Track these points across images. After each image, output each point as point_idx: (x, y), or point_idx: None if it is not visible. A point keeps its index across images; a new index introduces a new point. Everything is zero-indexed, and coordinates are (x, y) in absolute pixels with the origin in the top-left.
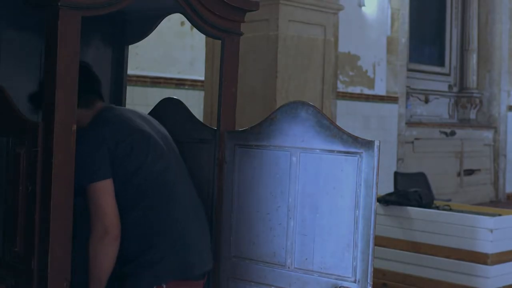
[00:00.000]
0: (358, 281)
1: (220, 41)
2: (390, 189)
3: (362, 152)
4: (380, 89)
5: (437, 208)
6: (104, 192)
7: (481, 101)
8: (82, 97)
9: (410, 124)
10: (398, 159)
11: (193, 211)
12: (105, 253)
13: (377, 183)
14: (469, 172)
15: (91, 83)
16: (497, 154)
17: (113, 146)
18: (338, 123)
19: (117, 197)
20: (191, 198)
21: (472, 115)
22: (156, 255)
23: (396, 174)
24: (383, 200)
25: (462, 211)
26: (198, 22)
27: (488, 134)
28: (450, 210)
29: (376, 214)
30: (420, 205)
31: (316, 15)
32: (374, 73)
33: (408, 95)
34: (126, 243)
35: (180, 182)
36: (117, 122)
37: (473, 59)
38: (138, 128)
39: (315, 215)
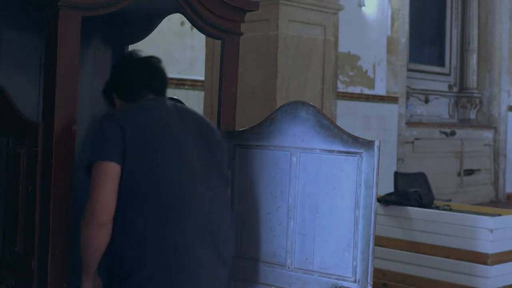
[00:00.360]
0: (358, 281)
1: (220, 41)
2: (390, 189)
3: (362, 152)
4: (380, 89)
5: (437, 208)
6: (105, 174)
7: (481, 101)
8: (134, 92)
9: (410, 124)
10: (398, 159)
11: (204, 235)
12: (91, 237)
13: (377, 183)
14: (469, 172)
15: (147, 78)
16: (497, 154)
17: (128, 136)
18: (338, 123)
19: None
20: (207, 218)
21: (472, 115)
22: (145, 275)
23: (396, 174)
24: (383, 200)
25: (462, 211)
26: (198, 22)
27: (488, 134)
28: (450, 210)
29: (376, 214)
30: (420, 205)
31: (316, 15)
32: (374, 73)
33: (408, 95)
34: (119, 252)
35: (195, 198)
36: (143, 114)
37: (473, 59)
38: (165, 129)
39: (315, 215)
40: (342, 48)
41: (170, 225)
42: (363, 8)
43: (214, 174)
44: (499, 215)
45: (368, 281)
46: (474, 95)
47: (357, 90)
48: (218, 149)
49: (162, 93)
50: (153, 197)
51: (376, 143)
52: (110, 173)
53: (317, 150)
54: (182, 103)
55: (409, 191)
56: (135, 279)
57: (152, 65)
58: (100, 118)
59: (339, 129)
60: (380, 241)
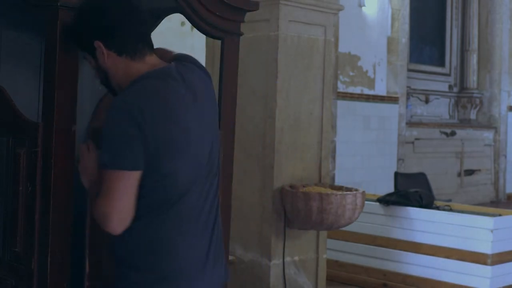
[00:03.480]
0: None
1: (220, 41)
2: (391, 189)
3: None
4: (380, 89)
5: (438, 208)
6: (125, 184)
7: (481, 101)
8: (127, 42)
9: (410, 124)
10: (398, 159)
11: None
12: (96, 217)
13: None
14: (470, 172)
15: (135, 25)
16: (497, 154)
17: (150, 135)
18: (338, 123)
19: None
20: (200, 227)
21: (473, 115)
22: (145, 277)
23: (396, 174)
24: (384, 200)
25: (462, 212)
26: (198, 22)
27: (488, 135)
28: (451, 210)
29: None
30: (420, 206)
31: (316, 15)
32: (374, 73)
33: (408, 95)
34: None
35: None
36: (165, 105)
37: (473, 59)
38: (184, 121)
39: None
40: (343, 48)
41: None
42: (363, 8)
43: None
44: (499, 215)
45: None
46: (474, 95)
47: (357, 90)
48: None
49: (152, 45)
50: (167, 207)
51: None
52: (133, 182)
53: None
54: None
55: (409, 191)
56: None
57: (138, 8)
58: (116, 106)
59: None
60: (380, 241)
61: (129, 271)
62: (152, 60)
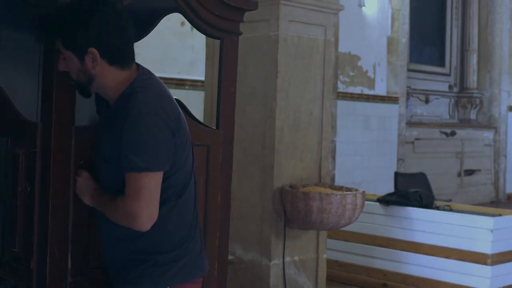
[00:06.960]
0: None
1: (219, 41)
2: (391, 189)
3: None
4: (380, 89)
5: (438, 208)
6: (157, 184)
7: (481, 101)
8: (120, 55)
9: (410, 124)
10: (398, 159)
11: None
12: (119, 221)
13: None
14: (470, 172)
15: (130, 39)
16: (497, 154)
17: (175, 130)
18: (338, 123)
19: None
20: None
21: (473, 115)
22: (171, 256)
23: (396, 174)
24: (384, 200)
25: (462, 212)
26: (197, 22)
27: (488, 134)
28: (451, 210)
29: None
30: (420, 205)
31: (317, 15)
32: (374, 73)
33: (408, 95)
34: (147, 237)
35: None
36: (172, 102)
37: (473, 59)
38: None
39: None
40: (343, 48)
41: (191, 212)
42: (363, 8)
43: None
44: (499, 215)
45: None
46: (474, 95)
47: (357, 90)
48: None
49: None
50: (184, 189)
51: None
52: (160, 181)
53: None
54: (182, 103)
55: (409, 191)
56: (159, 258)
57: (125, 15)
58: (142, 111)
59: None
60: (380, 241)
61: (150, 255)
62: (134, 65)
